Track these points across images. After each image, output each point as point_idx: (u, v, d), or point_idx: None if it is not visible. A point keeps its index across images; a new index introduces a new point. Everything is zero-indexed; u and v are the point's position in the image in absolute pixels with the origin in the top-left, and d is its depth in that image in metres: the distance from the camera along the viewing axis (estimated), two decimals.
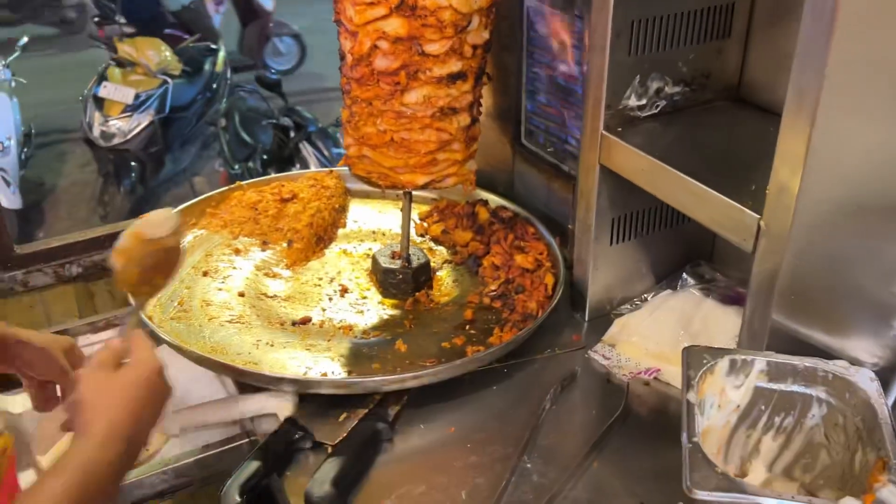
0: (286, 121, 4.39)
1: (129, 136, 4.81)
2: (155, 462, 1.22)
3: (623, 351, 1.29)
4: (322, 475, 1.06)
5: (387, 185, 1.36)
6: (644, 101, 1.21)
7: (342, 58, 1.30)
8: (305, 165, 4.26)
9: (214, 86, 5.50)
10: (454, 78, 1.26)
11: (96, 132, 4.80)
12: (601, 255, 1.33)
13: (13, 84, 4.83)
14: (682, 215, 1.35)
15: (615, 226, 1.31)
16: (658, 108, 1.23)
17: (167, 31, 6.53)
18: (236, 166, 4.65)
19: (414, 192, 1.73)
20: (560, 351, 1.32)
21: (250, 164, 4.55)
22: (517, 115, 1.61)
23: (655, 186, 1.12)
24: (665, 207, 1.33)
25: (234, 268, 1.47)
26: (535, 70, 1.53)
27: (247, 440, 1.25)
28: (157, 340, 1.22)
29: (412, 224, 1.50)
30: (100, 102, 4.83)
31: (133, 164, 4.87)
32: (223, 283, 1.43)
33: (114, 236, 1.59)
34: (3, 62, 4.79)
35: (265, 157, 4.46)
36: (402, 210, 1.45)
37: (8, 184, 4.61)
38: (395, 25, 1.19)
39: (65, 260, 1.55)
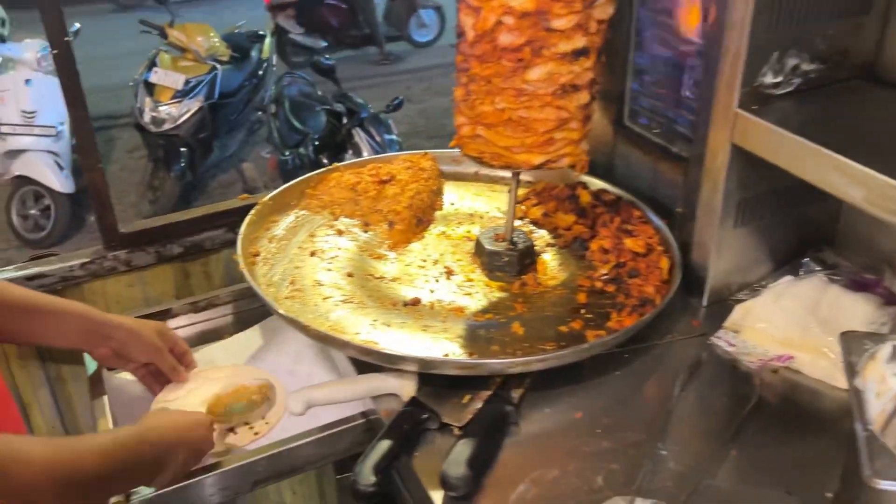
0: (339, 106, 4.38)
1: (179, 122, 4.84)
2: (273, 442, 1.22)
3: (749, 337, 1.25)
4: (456, 456, 1.04)
5: (500, 165, 1.33)
6: (780, 79, 1.17)
7: (460, 35, 1.27)
8: (358, 151, 4.24)
9: (261, 72, 5.53)
10: (578, 54, 1.23)
11: (147, 117, 4.83)
12: (724, 239, 1.29)
13: None
14: (806, 198, 1.31)
15: (741, 208, 1.27)
16: (793, 86, 1.19)
17: (328, 1, 6.79)
18: (287, 153, 4.65)
19: (509, 176, 1.73)
20: (680, 337, 1.29)
21: (301, 150, 4.54)
22: (621, 95, 1.57)
23: (800, 166, 1.08)
24: (791, 190, 1.29)
25: (339, 248, 1.46)
26: (644, 48, 1.49)
27: (363, 420, 1.24)
28: (285, 320, 1.21)
29: None
30: (150, 88, 4.86)
31: (182, 149, 4.91)
32: (330, 263, 1.41)
33: (215, 217, 1.61)
34: None
35: (316, 143, 4.45)
36: (509, 192, 1.43)
37: (61, 168, 4.66)
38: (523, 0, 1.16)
39: (165, 240, 1.54)
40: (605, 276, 1.38)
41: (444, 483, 1.01)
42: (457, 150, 1.73)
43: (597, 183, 1.60)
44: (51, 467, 0.86)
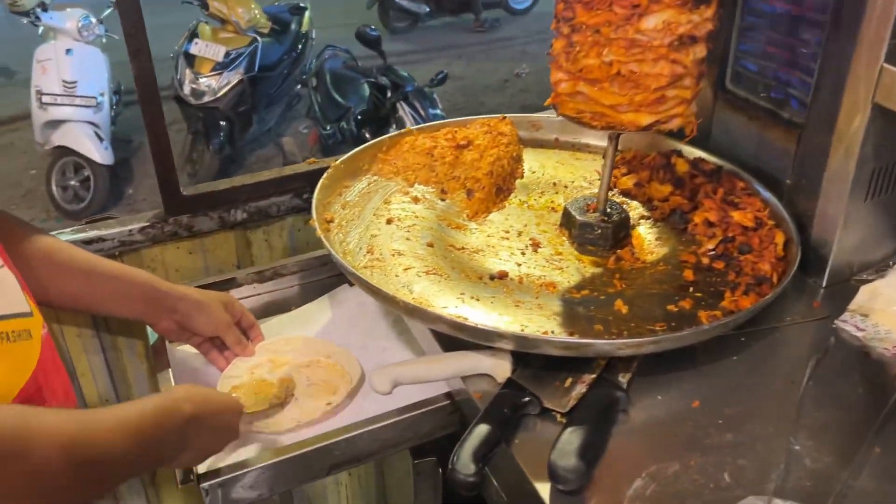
0: (383, 80, 4.26)
1: (218, 95, 4.77)
2: (349, 425, 1.12)
3: (881, 321, 1.12)
4: (565, 446, 0.93)
5: (602, 125, 1.21)
6: None
7: None
8: (402, 126, 4.13)
9: (301, 46, 5.42)
10: (698, 1, 1.10)
11: (187, 89, 4.76)
12: (853, 212, 1.16)
13: (104, 40, 4.81)
14: None
15: (875, 178, 1.14)
16: None
17: None
18: (328, 127, 4.56)
19: (593, 143, 1.61)
20: (801, 320, 1.17)
21: (343, 124, 4.44)
22: (724, 55, 1.43)
23: None
24: None
25: (416, 217, 1.35)
26: (755, 4, 1.35)
27: (448, 402, 1.14)
28: (368, 290, 1.11)
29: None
30: (191, 59, 4.79)
31: (222, 122, 4.84)
32: (408, 232, 1.30)
33: (279, 182, 1.51)
34: (98, 17, 4.76)
35: (359, 117, 4.34)
36: (604, 156, 1.31)
37: (101, 139, 4.61)
38: None
39: (229, 205, 1.44)
40: (713, 252, 1.25)
41: (553, 475, 0.90)
42: (537, 114, 1.62)
43: (693, 151, 1.47)
44: (68, 445, 0.75)
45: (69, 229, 1.35)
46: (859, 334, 1.12)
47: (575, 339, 1.05)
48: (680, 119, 1.20)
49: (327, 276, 1.44)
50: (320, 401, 1.16)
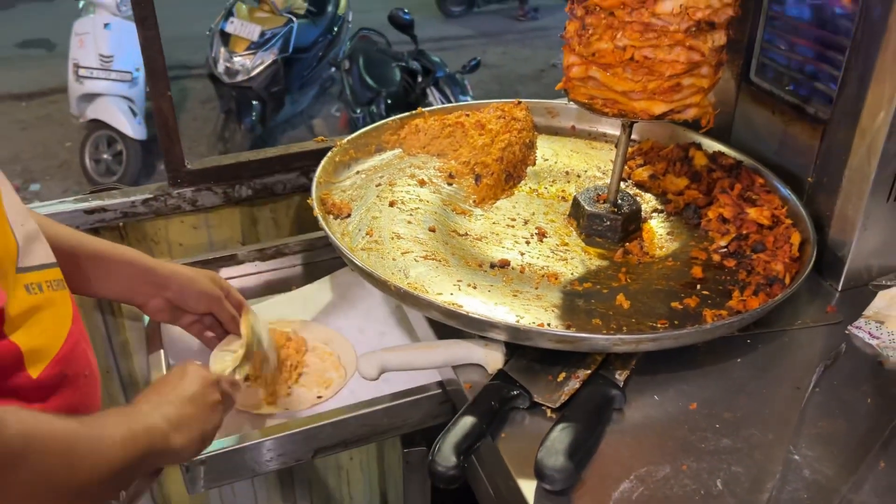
0: (415, 64, 4.22)
1: (252, 74, 4.76)
2: (338, 408, 1.10)
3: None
4: (554, 443, 0.89)
5: (613, 113, 1.16)
6: None
7: None
8: None
9: (336, 28, 5.39)
10: None
11: (221, 68, 4.77)
12: (873, 213, 1.10)
13: None
14: None
15: None
16: None
17: None
18: (358, 110, 4.54)
19: (610, 132, 1.56)
20: (812, 324, 1.11)
21: (373, 108, 4.42)
22: (749, 46, 1.37)
23: None
24: None
25: (421, 200, 1.31)
26: None
27: (439, 391, 1.11)
28: (361, 273, 1.08)
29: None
30: (226, 38, 4.79)
31: (255, 102, 4.84)
32: (411, 215, 1.27)
33: (285, 159, 1.48)
34: None
35: (389, 101, 4.31)
36: (616, 145, 1.26)
37: (134, 114, 4.65)
38: None
39: (235, 180, 1.42)
40: (725, 250, 1.20)
41: (539, 474, 0.86)
42: (553, 100, 1.58)
43: (713, 144, 1.41)
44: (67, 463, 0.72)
45: (71, 198, 1.34)
46: (873, 342, 1.06)
47: (570, 333, 1.01)
48: (696, 109, 1.15)
49: (330, 257, 1.42)
50: (311, 392, 1.14)
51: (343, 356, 1.22)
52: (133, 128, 4.59)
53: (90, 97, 4.56)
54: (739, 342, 1.08)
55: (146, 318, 1.24)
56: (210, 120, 5.23)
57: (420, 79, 4.16)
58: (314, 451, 1.10)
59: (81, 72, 4.54)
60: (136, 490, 0.89)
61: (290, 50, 4.89)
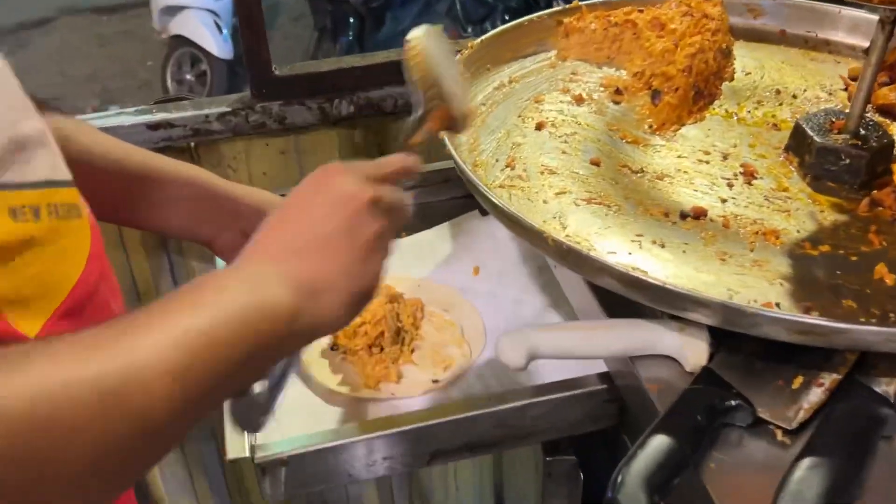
0: None
1: None
2: (463, 400, 0.91)
3: None
4: (801, 488, 0.64)
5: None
6: None
7: None
8: None
9: None
10: None
11: None
12: None
13: None
14: None
15: None
16: None
17: None
18: (469, 29, 4.32)
19: (838, 38, 1.27)
20: None
21: (487, 25, 4.21)
22: None
23: None
24: None
25: (578, 123, 1.08)
26: None
27: (604, 387, 0.87)
28: (502, 219, 0.85)
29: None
30: None
31: (351, 19, 4.71)
32: (566, 143, 1.04)
33: (399, 66, 1.25)
34: None
35: (507, 17, 4.07)
36: (865, 52, 0.97)
37: (220, 29, 4.56)
38: None
39: (334, 93, 1.21)
40: None
41: None
42: None
43: None
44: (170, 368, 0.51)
45: (132, 109, 1.17)
46: None
47: (818, 320, 0.74)
48: None
49: (450, 198, 1.22)
50: (425, 373, 0.95)
51: (468, 328, 1.01)
52: (218, 45, 4.52)
53: (173, 10, 4.51)
54: None
55: (219, 261, 1.04)
56: (302, 39, 5.11)
57: None
58: (430, 456, 0.90)
59: None
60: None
61: None
